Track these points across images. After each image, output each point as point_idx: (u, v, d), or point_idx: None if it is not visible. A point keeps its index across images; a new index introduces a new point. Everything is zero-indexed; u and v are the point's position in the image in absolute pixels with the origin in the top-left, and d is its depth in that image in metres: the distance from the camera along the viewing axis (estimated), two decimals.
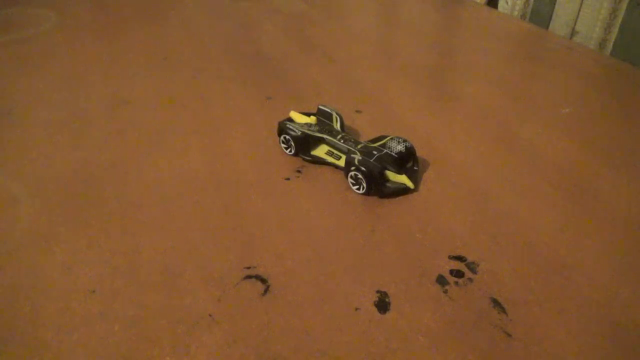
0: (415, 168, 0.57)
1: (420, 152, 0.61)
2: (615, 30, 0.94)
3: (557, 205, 0.52)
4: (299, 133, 0.59)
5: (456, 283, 0.43)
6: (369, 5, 1.28)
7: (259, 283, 0.43)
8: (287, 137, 0.59)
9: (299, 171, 0.58)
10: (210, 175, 0.58)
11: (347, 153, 0.55)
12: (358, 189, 0.54)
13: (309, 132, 0.59)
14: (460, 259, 0.45)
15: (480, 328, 0.39)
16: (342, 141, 0.58)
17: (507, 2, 1.21)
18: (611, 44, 0.96)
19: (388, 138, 0.57)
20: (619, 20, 0.93)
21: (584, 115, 0.71)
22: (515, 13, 1.18)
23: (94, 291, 0.42)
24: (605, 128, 0.68)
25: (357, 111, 0.72)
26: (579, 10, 1.01)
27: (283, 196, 0.54)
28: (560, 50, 0.96)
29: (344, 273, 0.44)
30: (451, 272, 0.44)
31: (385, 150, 0.55)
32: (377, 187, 0.53)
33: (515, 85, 0.81)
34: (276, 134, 0.65)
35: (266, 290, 0.42)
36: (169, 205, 0.53)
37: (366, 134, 0.66)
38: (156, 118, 0.71)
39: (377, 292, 0.42)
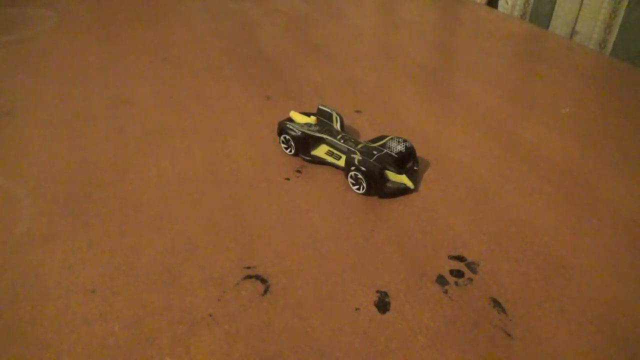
0: (415, 168, 0.57)
1: (420, 152, 0.61)
2: (615, 30, 0.94)
3: (557, 205, 0.52)
4: (299, 133, 0.59)
5: (456, 283, 0.43)
6: (369, 5, 1.28)
7: (259, 283, 0.43)
8: (287, 137, 0.59)
9: (299, 171, 0.58)
10: (210, 175, 0.58)
11: (347, 153, 0.55)
12: (358, 189, 0.54)
13: (309, 132, 0.59)
14: (460, 259, 0.45)
15: (480, 328, 0.39)
16: (342, 141, 0.58)
17: (507, 2, 1.21)
18: (611, 44, 0.96)
19: (388, 138, 0.57)
20: (619, 20, 0.93)
21: (584, 115, 0.71)
22: (515, 13, 1.18)
23: (94, 291, 0.42)
24: (605, 128, 0.68)
25: (357, 111, 0.72)
26: (579, 10, 1.01)
27: (283, 196, 0.54)
28: (560, 50, 0.96)
29: (344, 273, 0.44)
30: (451, 272, 0.44)
31: (385, 150, 0.55)
32: (377, 187, 0.53)
33: (515, 85, 0.81)
34: (276, 134, 0.65)
35: (266, 290, 0.42)
36: (169, 205, 0.53)
37: (366, 134, 0.66)
38: (156, 118, 0.71)
39: (377, 292, 0.42)
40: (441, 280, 0.43)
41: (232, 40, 1.01)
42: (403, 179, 0.54)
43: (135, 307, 0.41)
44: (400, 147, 0.56)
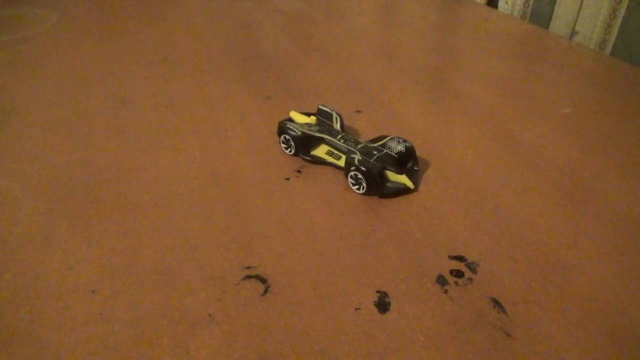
0: (415, 168, 0.57)
1: (420, 152, 0.61)
2: (615, 30, 0.94)
3: (557, 205, 0.52)
4: (299, 133, 0.59)
5: (456, 283, 0.43)
6: (369, 5, 1.28)
7: (259, 283, 0.43)
8: (287, 137, 0.59)
9: (299, 171, 0.58)
10: (210, 175, 0.58)
11: (347, 153, 0.55)
12: (358, 189, 0.54)
13: (309, 132, 0.59)
14: (460, 259, 0.45)
15: (480, 328, 0.39)
16: (342, 141, 0.58)
17: (507, 2, 1.21)
18: (611, 44, 0.96)
19: (388, 138, 0.57)
20: (619, 20, 0.93)
21: (584, 115, 0.71)
22: (515, 13, 1.18)
23: (94, 291, 0.42)
24: (605, 128, 0.68)
25: (357, 111, 0.72)
26: (579, 10, 1.01)
27: (283, 196, 0.54)
28: (560, 50, 0.96)
29: (344, 273, 0.44)
30: (451, 272, 0.44)
31: (385, 150, 0.55)
32: (377, 187, 0.53)
33: (515, 85, 0.81)
34: (276, 134, 0.65)
35: (266, 290, 0.42)
36: (169, 205, 0.53)
37: (366, 134, 0.66)
38: (156, 118, 0.71)
39: (377, 292, 0.42)
40: (441, 280, 0.43)
41: (232, 40, 1.01)
42: (403, 179, 0.54)
43: (135, 307, 0.41)
44: (400, 147, 0.55)
